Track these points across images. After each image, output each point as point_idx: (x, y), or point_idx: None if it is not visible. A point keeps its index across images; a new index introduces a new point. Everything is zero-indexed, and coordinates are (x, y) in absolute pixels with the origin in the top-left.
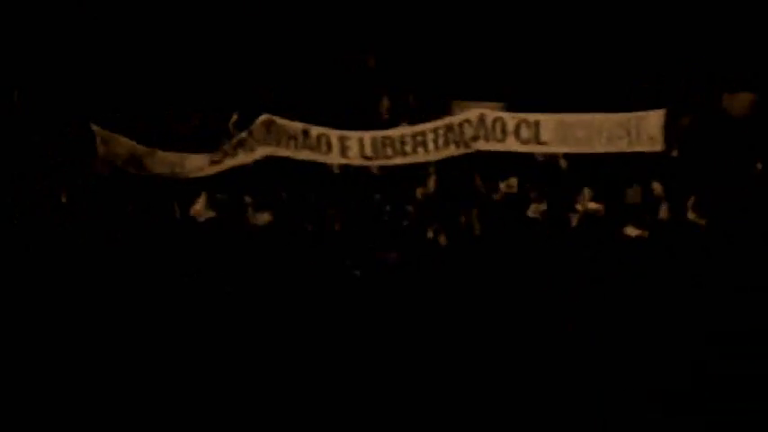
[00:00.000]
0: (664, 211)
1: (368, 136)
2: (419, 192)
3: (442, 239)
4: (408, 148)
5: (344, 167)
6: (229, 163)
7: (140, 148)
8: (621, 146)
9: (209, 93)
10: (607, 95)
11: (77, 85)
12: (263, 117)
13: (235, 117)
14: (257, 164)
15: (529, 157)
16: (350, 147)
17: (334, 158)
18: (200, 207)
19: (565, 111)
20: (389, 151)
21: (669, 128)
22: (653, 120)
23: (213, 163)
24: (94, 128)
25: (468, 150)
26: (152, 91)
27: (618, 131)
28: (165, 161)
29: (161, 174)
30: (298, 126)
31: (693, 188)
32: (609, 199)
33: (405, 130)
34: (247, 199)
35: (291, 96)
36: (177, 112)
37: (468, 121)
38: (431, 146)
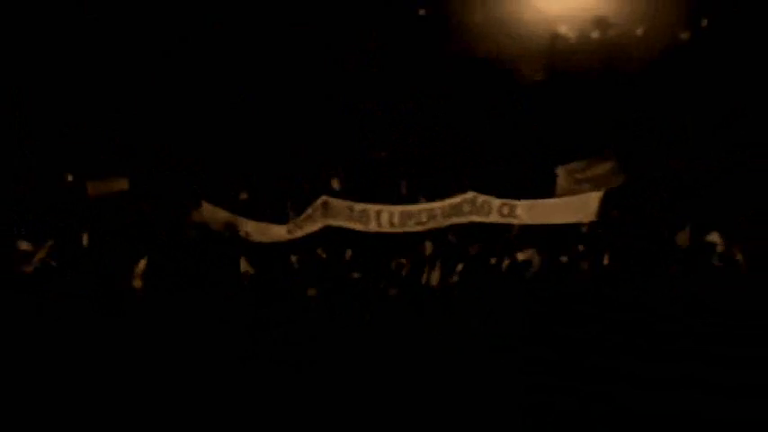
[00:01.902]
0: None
1: (396, 210)
2: (428, 247)
3: (435, 279)
4: (424, 219)
5: (378, 233)
6: (299, 233)
7: (237, 218)
8: (572, 219)
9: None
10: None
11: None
12: (322, 198)
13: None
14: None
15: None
16: (382, 218)
17: (372, 227)
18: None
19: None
20: (410, 222)
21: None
22: (593, 199)
23: (289, 232)
24: (206, 205)
25: (464, 221)
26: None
27: (569, 209)
28: (255, 229)
29: (250, 238)
30: (344, 204)
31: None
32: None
33: (422, 206)
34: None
35: (344, 182)
36: (259, 192)
37: (465, 200)
38: (439, 218)
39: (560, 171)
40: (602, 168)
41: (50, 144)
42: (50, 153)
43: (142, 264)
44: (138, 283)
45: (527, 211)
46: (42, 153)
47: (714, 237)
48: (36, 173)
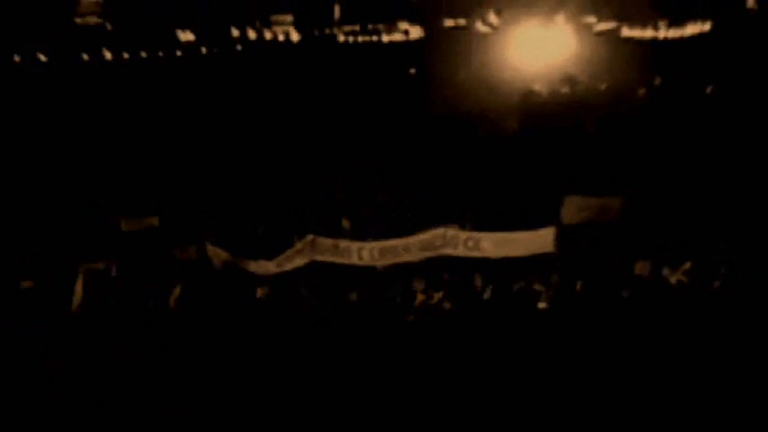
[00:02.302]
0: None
1: (376, 246)
2: (416, 284)
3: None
4: (400, 253)
5: (360, 266)
6: (289, 266)
7: (237, 258)
8: (531, 251)
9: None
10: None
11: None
12: (309, 237)
13: (295, 238)
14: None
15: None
16: (363, 253)
17: (354, 261)
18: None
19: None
20: (389, 255)
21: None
22: (549, 234)
23: (278, 266)
24: (209, 247)
25: (437, 254)
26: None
27: (529, 243)
28: (252, 265)
29: (250, 271)
30: (329, 242)
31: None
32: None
33: (398, 242)
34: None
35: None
36: (251, 232)
37: (436, 235)
38: (414, 252)
39: (566, 201)
40: (600, 203)
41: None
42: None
43: (176, 291)
44: (172, 308)
45: (491, 244)
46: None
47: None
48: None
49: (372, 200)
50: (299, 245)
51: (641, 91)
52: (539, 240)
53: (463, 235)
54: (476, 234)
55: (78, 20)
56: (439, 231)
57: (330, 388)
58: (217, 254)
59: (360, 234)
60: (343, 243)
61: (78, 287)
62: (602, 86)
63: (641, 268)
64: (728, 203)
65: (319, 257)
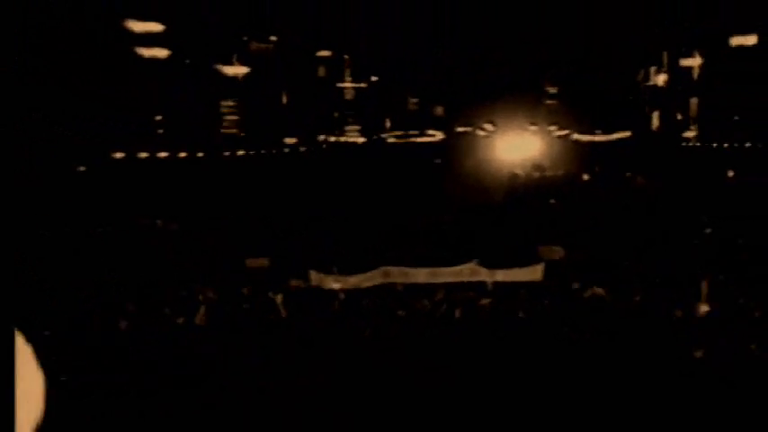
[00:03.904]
0: None
1: (430, 271)
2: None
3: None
4: (444, 276)
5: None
6: (366, 284)
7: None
8: (528, 278)
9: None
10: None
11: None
12: (383, 268)
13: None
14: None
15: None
16: (420, 276)
17: (414, 281)
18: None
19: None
20: (437, 278)
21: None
22: (541, 268)
23: (359, 283)
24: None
25: (466, 279)
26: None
27: (527, 273)
28: (328, 281)
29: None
30: (400, 270)
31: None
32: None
33: (443, 270)
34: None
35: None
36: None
37: (467, 268)
38: (449, 276)
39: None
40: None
41: None
42: None
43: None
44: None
45: (502, 275)
46: None
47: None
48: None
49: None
50: (371, 273)
51: (585, 176)
52: (534, 272)
53: (484, 270)
54: (492, 270)
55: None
56: (469, 265)
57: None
58: (315, 276)
59: (415, 264)
60: (409, 269)
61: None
62: (560, 172)
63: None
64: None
65: (389, 280)
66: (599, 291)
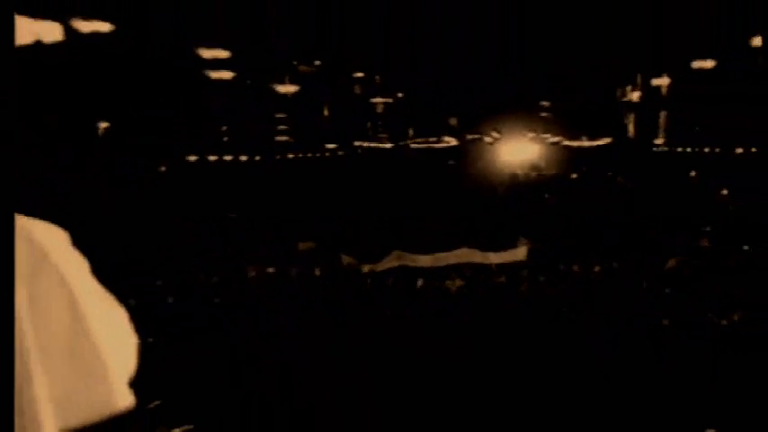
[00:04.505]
0: None
1: (434, 256)
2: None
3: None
4: (447, 259)
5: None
6: (381, 268)
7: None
8: (514, 259)
9: None
10: None
11: None
12: (396, 252)
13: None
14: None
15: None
16: (426, 261)
17: (421, 264)
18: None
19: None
20: (440, 260)
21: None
22: (524, 249)
23: (378, 267)
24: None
25: (464, 261)
26: None
27: (513, 255)
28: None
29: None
30: (410, 255)
31: None
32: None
33: (445, 254)
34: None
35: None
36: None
37: (465, 252)
38: (452, 259)
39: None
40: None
41: None
42: None
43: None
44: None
45: (495, 256)
46: None
47: None
48: None
49: (431, 230)
50: (387, 257)
51: (573, 175)
52: (519, 253)
53: (479, 253)
54: (486, 253)
55: None
56: (466, 250)
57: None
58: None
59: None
60: (416, 256)
61: None
62: (553, 172)
63: None
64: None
65: (402, 262)
66: (576, 268)
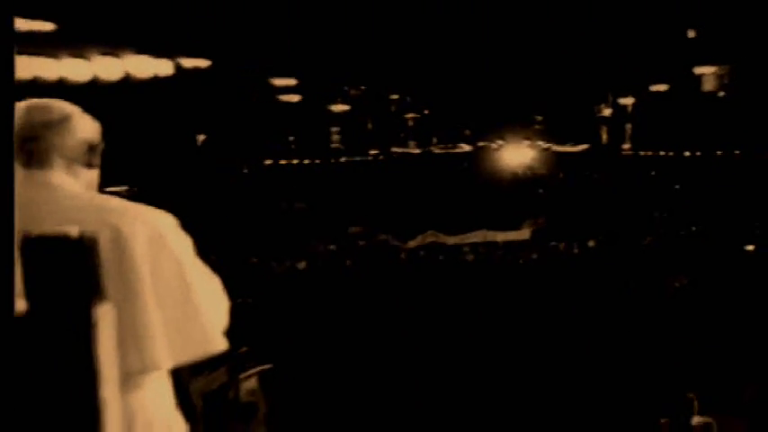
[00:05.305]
0: None
1: (458, 237)
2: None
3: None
4: (469, 238)
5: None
6: (413, 244)
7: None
8: (520, 238)
9: None
10: None
11: None
12: (431, 232)
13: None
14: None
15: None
16: (450, 240)
17: (447, 242)
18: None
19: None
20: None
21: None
22: (528, 231)
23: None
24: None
25: (480, 240)
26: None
27: (519, 234)
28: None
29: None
30: (436, 234)
31: None
32: None
33: (467, 235)
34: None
35: None
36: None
37: (480, 233)
38: (471, 238)
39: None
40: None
41: None
42: None
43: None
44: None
45: (503, 235)
46: None
47: None
48: None
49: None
50: (421, 235)
51: (560, 174)
52: (524, 233)
53: (491, 232)
54: (497, 232)
55: None
56: (482, 231)
57: None
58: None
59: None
60: (446, 236)
61: None
62: (544, 172)
63: None
64: None
65: (433, 239)
66: (561, 245)
